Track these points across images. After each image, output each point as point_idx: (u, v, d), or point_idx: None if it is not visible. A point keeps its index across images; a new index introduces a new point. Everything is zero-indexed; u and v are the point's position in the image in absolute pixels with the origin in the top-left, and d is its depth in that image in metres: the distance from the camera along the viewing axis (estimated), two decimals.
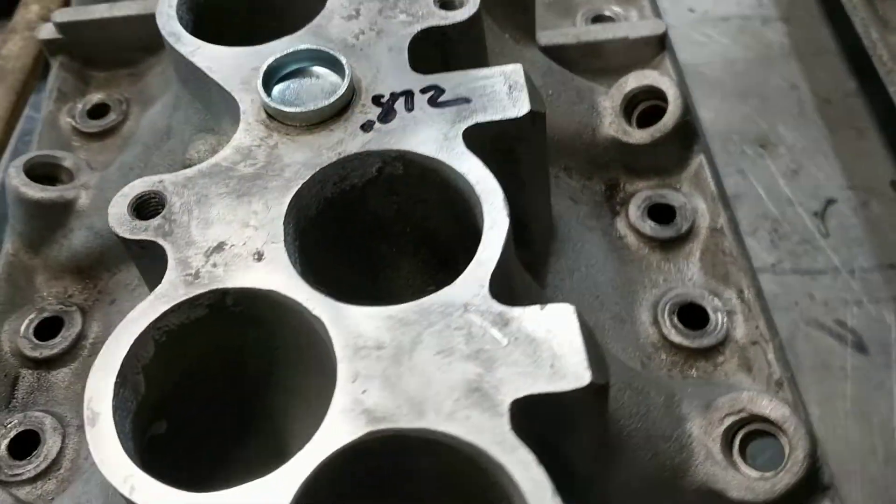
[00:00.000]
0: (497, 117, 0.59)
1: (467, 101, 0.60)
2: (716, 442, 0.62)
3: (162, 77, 0.95)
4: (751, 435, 0.63)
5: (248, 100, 0.61)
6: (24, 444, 0.72)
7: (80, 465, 0.70)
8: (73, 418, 0.73)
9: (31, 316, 0.78)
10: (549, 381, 0.47)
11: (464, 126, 0.58)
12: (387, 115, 0.60)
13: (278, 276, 0.53)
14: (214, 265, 0.53)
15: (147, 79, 0.97)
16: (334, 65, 0.62)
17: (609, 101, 0.82)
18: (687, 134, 0.81)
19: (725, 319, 0.73)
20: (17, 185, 0.77)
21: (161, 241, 0.55)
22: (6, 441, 0.71)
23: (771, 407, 0.61)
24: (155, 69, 0.97)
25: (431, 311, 0.50)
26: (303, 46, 0.62)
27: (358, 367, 0.49)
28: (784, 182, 1.07)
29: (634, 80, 0.81)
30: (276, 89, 0.61)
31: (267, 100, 0.59)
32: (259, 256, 0.54)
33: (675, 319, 0.74)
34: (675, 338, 0.73)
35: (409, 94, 0.61)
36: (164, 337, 0.52)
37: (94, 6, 0.94)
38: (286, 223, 0.55)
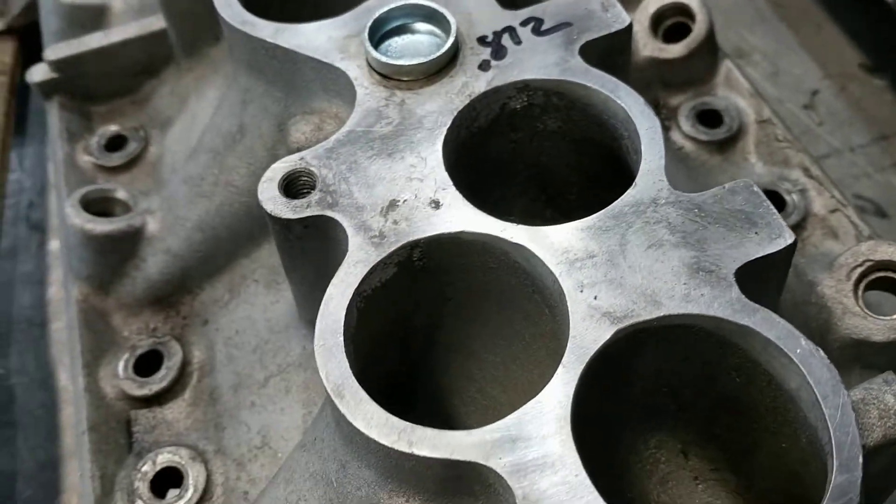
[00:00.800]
0: (604, 32, 0.61)
1: (569, 24, 0.62)
2: (848, 296, 0.66)
3: (171, 97, 0.92)
4: (876, 283, 0.67)
5: (355, 66, 0.61)
6: (166, 482, 0.68)
7: (234, 487, 0.67)
8: (206, 444, 0.70)
9: (125, 356, 0.74)
10: (760, 245, 0.50)
11: (577, 46, 0.60)
12: (498, 51, 0.61)
13: (463, 217, 0.53)
14: (395, 222, 0.53)
15: (153, 102, 0.93)
16: (430, 17, 0.62)
17: (637, 25, 0.85)
18: (714, 42, 0.85)
19: (799, 197, 0.78)
20: (81, 224, 0.73)
21: (330, 213, 0.54)
22: (147, 483, 0.68)
23: (893, 250, 0.66)
24: (160, 91, 0.93)
25: (624, 213, 0.52)
26: (399, 3, 0.62)
27: (579, 277, 0.50)
28: (769, 85, 1.14)
29: (655, 2, 0.85)
30: (381, 50, 0.61)
31: (385, 59, 0.59)
32: (436, 204, 0.54)
33: None
34: None
35: (511, 30, 0.62)
36: (363, 303, 0.52)
37: (87, 37, 0.90)
38: (447, 169, 0.55)
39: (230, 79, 0.72)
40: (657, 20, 0.85)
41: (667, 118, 0.86)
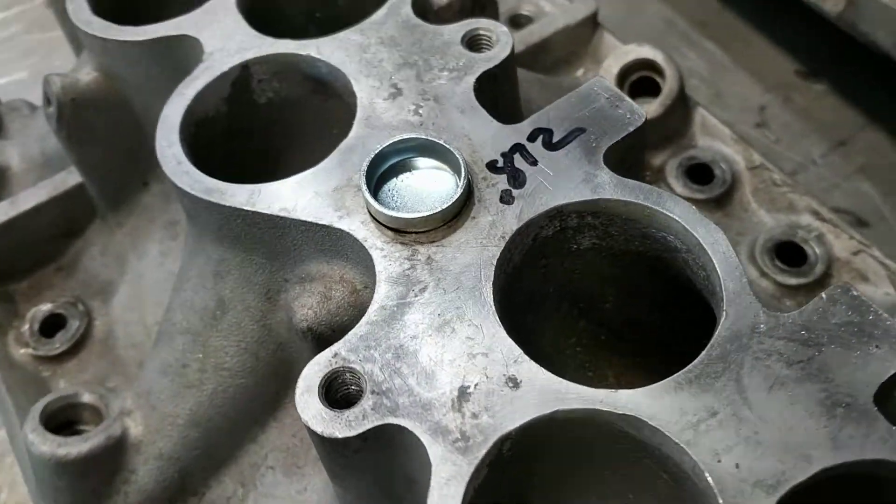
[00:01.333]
0: (623, 134, 0.55)
1: (582, 130, 0.55)
2: None
3: (104, 258, 0.80)
4: None
5: (358, 224, 0.52)
6: None
7: None
8: None
9: None
10: (886, 360, 0.44)
11: (600, 156, 0.54)
12: (516, 177, 0.53)
13: (549, 391, 0.45)
14: (474, 415, 0.45)
15: (83, 267, 0.81)
16: (428, 150, 0.54)
17: None
18: (684, 93, 0.81)
19: (818, 244, 0.74)
20: (50, 451, 0.61)
21: (394, 421, 0.45)
22: None
23: None
24: (88, 253, 0.81)
25: (728, 352, 0.45)
26: (389, 140, 0.54)
27: (710, 444, 0.43)
28: (717, 108, 1.11)
29: (617, 61, 0.80)
30: (384, 200, 0.53)
31: (397, 214, 0.51)
32: (514, 383, 0.46)
33: (778, 262, 0.74)
34: (790, 280, 0.72)
35: (520, 149, 0.55)
36: None
37: None
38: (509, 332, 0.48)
39: (190, 247, 0.62)
40: (622, 77, 0.80)
41: (654, 180, 0.81)
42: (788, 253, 0.74)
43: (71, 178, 0.79)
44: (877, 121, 1.06)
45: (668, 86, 0.78)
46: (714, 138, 0.81)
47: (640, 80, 0.81)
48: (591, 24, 0.90)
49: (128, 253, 0.79)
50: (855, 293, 0.47)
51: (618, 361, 0.65)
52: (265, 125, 0.67)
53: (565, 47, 0.89)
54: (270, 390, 0.64)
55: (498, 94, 0.61)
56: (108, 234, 0.81)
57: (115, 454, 0.63)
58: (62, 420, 0.65)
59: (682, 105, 0.81)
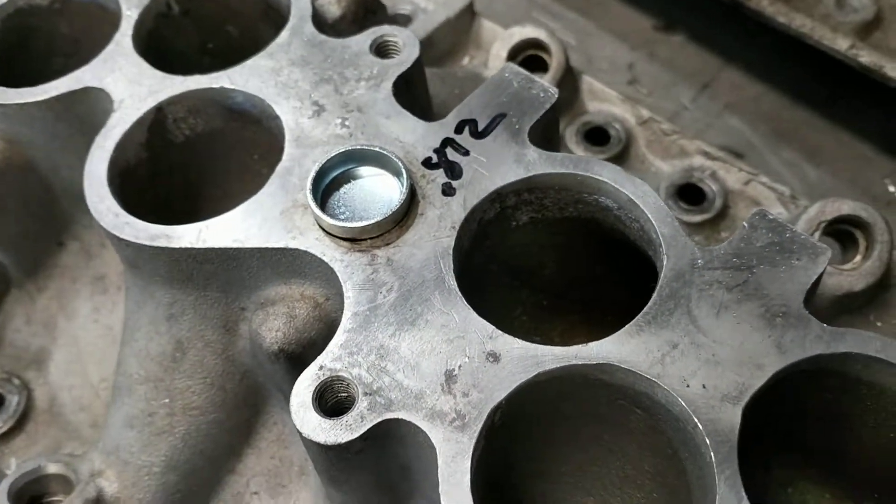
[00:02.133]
0: (541, 112, 0.59)
1: (503, 115, 0.59)
2: None
3: (30, 327, 0.78)
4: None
5: (313, 240, 0.54)
6: None
7: None
8: None
9: None
10: (807, 269, 0.51)
11: (524, 136, 0.58)
12: (452, 170, 0.57)
13: (527, 357, 0.49)
14: (465, 394, 0.48)
15: (8, 341, 0.78)
16: (364, 159, 0.57)
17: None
18: (569, 65, 0.86)
19: (713, 181, 0.81)
20: None
21: (391, 415, 0.47)
22: None
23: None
24: (11, 326, 0.78)
25: (676, 289, 0.50)
26: (326, 156, 0.56)
27: (677, 372, 0.48)
28: (590, 74, 1.18)
29: (504, 44, 0.84)
30: (331, 212, 0.55)
31: (350, 224, 0.53)
32: (494, 357, 0.49)
33: (682, 203, 0.80)
34: (695, 217, 0.79)
35: (450, 142, 0.58)
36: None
37: None
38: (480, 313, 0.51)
39: (135, 297, 0.62)
40: (511, 59, 0.85)
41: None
42: (688, 194, 0.81)
43: None
44: (732, 60, 1.16)
45: (556, 60, 0.83)
46: (602, 101, 0.87)
47: (527, 59, 0.86)
48: (470, 13, 0.93)
49: (56, 317, 0.77)
50: (771, 216, 0.53)
51: (560, 322, 0.70)
52: (185, 163, 0.67)
53: (448, 39, 0.92)
54: (242, 419, 0.65)
55: (413, 94, 0.64)
56: (30, 303, 0.79)
57: None
58: (30, 496, 0.64)
59: (569, 76, 0.86)
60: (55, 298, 0.78)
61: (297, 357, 0.57)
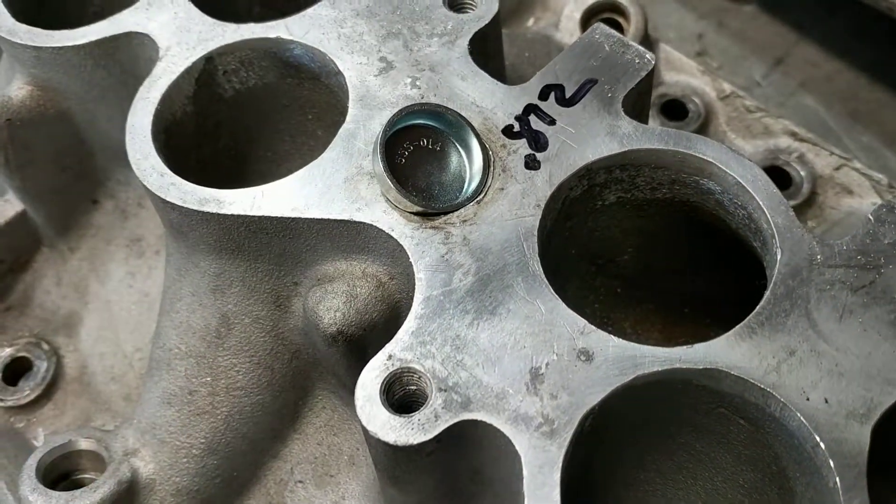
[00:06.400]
0: (637, 80, 0.53)
1: (594, 81, 0.53)
2: None
3: (60, 289, 0.73)
4: None
5: (380, 213, 0.48)
6: None
7: None
8: None
9: None
10: None
11: (618, 105, 0.52)
12: (537, 141, 0.51)
13: (624, 358, 0.43)
14: (553, 396, 0.42)
15: (38, 302, 0.74)
16: (437, 118, 0.51)
17: (567, 33, 0.77)
18: (648, 31, 0.80)
19: (801, 165, 0.74)
20: None
21: (469, 416, 0.42)
22: None
23: None
24: (40, 286, 0.74)
25: (793, 289, 0.45)
26: (398, 117, 0.50)
27: (795, 383, 0.42)
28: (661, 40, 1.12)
29: (579, 6, 0.78)
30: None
31: (425, 205, 0.47)
32: (587, 355, 0.43)
33: None
34: None
35: (534, 109, 0.52)
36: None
37: None
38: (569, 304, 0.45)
39: (177, 264, 0.56)
40: (585, 23, 0.78)
41: None
42: (773, 178, 0.74)
43: (9, 207, 0.72)
44: (808, 34, 1.08)
45: (634, 25, 0.76)
46: (679, 72, 0.81)
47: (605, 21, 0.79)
48: None
49: (88, 279, 0.73)
50: None
51: (634, 311, 0.64)
52: (233, 121, 0.61)
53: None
54: (289, 402, 0.60)
55: (488, 55, 0.58)
56: (61, 263, 0.74)
57: (127, 499, 0.58)
58: (58, 473, 0.59)
59: (646, 43, 0.79)
60: (87, 259, 0.73)
61: (357, 341, 0.52)
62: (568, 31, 0.77)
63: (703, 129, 0.78)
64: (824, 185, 0.74)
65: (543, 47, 0.77)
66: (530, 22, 0.87)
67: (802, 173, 0.74)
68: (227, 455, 0.59)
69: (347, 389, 0.58)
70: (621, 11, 0.77)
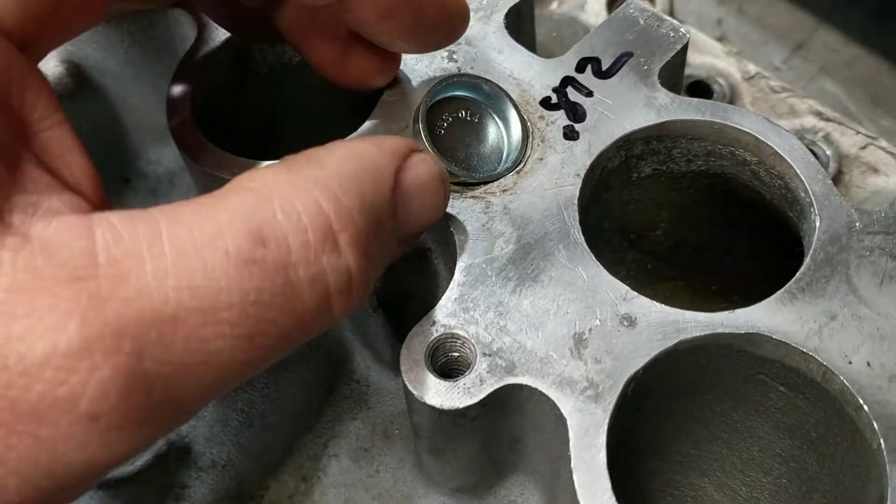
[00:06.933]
0: (672, 53, 0.53)
1: (630, 54, 0.53)
2: None
3: None
4: None
5: None
6: None
7: None
8: None
9: None
10: None
11: (654, 78, 0.52)
12: (575, 112, 0.51)
13: (667, 322, 0.44)
14: (597, 360, 0.43)
15: None
16: (473, 92, 0.51)
17: (592, 14, 0.78)
18: (673, 12, 0.80)
19: (826, 145, 0.75)
20: None
21: (514, 380, 0.42)
22: None
23: None
24: None
25: (832, 255, 0.45)
26: (439, 87, 0.50)
27: (837, 347, 0.42)
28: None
29: None
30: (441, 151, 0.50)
31: (471, 174, 0.48)
32: (630, 321, 0.44)
33: None
34: None
35: (571, 81, 0.52)
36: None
37: None
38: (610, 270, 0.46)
39: None
40: (612, 2, 0.79)
41: None
42: None
43: None
44: (828, 20, 1.08)
45: (660, 6, 0.77)
46: (703, 53, 0.81)
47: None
48: None
49: None
50: None
51: (663, 287, 0.65)
52: (267, 97, 0.62)
53: None
54: (322, 375, 0.61)
55: (521, 31, 0.58)
56: None
57: (162, 471, 0.59)
58: None
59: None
60: None
61: (393, 307, 0.53)
62: (594, 12, 0.78)
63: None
64: (850, 164, 0.74)
65: (570, 27, 0.77)
66: (554, 5, 0.87)
67: (829, 152, 0.74)
68: (263, 428, 0.60)
69: (384, 362, 0.59)
70: None
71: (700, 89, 0.79)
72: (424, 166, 0.43)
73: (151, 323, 0.32)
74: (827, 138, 0.75)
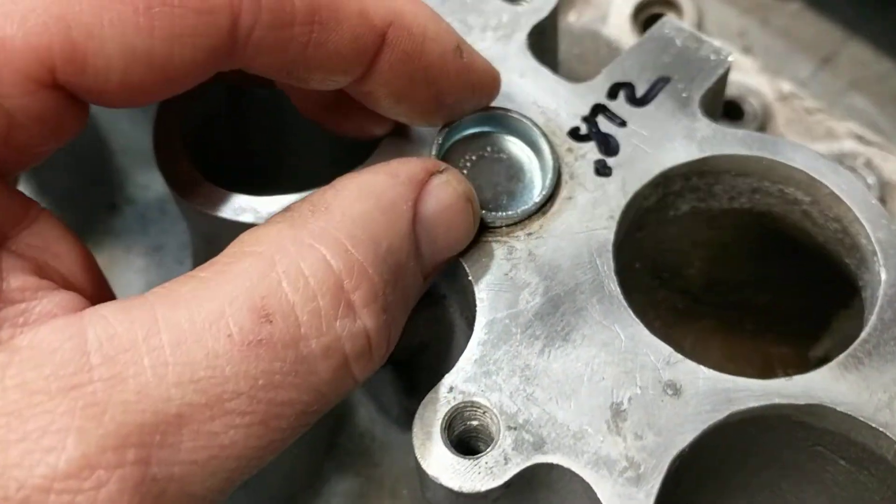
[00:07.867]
0: (714, 79, 0.48)
1: (667, 79, 0.48)
2: None
3: None
4: None
5: None
6: None
7: None
8: None
9: None
10: None
11: (695, 107, 0.47)
12: (607, 145, 0.46)
13: (716, 392, 0.38)
14: (638, 436, 0.37)
15: None
16: (495, 126, 0.46)
17: (616, 28, 0.73)
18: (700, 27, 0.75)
19: (868, 172, 0.70)
20: None
21: (544, 459, 0.37)
22: None
23: None
24: None
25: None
26: (455, 123, 0.45)
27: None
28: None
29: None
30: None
31: (494, 214, 0.43)
32: (674, 389, 0.39)
33: None
34: None
35: (602, 110, 0.47)
36: None
37: None
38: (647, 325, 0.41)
39: None
40: (637, 13, 0.74)
41: None
42: None
43: None
44: (857, 32, 1.03)
45: (689, 19, 0.72)
46: (735, 70, 0.76)
47: (650, 18, 0.75)
48: None
49: None
50: None
51: (694, 327, 0.60)
52: (268, 120, 0.57)
53: None
54: (325, 430, 0.55)
55: (544, 50, 0.53)
56: None
57: None
58: None
59: None
60: (105, 268, 0.68)
61: (403, 363, 0.48)
62: (617, 25, 0.73)
63: (760, 131, 0.73)
64: (893, 192, 0.69)
65: (592, 43, 0.72)
66: (572, 17, 0.82)
67: (870, 180, 0.69)
68: (258, 490, 0.54)
69: (391, 416, 0.54)
70: (674, 5, 0.72)
71: (730, 109, 0.74)
72: (447, 189, 0.39)
73: (154, 426, 0.29)
74: (868, 164, 0.70)
